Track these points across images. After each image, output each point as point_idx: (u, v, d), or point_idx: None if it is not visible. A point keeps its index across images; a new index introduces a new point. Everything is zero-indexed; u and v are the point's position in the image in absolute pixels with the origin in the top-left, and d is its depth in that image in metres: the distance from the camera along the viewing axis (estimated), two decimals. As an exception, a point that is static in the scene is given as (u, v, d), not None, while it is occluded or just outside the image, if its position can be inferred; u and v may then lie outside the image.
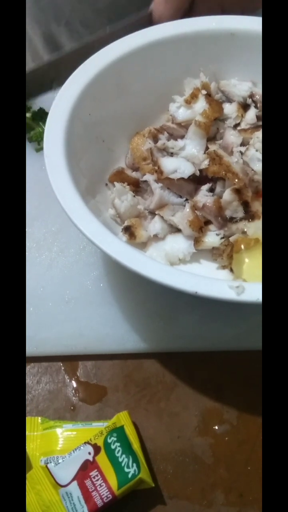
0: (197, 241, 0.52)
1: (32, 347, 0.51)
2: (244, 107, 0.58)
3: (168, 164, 0.53)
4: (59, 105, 0.51)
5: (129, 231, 0.51)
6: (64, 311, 0.53)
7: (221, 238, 0.51)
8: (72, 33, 0.72)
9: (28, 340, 0.51)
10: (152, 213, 0.54)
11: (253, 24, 0.57)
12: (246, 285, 0.41)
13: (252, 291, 0.40)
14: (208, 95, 0.56)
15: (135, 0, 0.65)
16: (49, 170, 0.47)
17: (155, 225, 0.52)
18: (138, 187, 0.56)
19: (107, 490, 0.42)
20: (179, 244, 0.52)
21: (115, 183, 0.54)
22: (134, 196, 0.53)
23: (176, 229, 0.53)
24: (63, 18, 0.70)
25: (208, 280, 0.42)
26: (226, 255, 0.50)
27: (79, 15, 0.70)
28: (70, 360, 0.52)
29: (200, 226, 0.51)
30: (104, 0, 0.67)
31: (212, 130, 0.56)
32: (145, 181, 0.54)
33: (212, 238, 0.51)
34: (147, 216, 0.54)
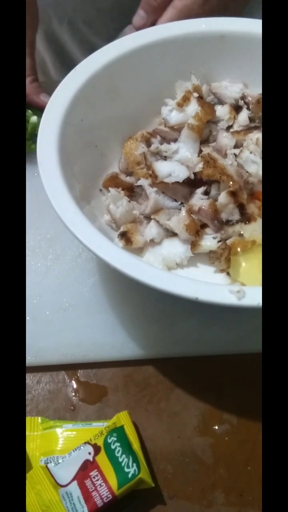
0: (194, 245, 0.52)
1: (31, 356, 0.51)
2: (236, 109, 0.59)
3: (162, 168, 0.54)
4: (51, 111, 0.51)
5: (125, 237, 0.52)
6: (62, 319, 0.53)
7: (218, 241, 0.52)
8: (75, 32, 0.71)
9: (26, 349, 0.51)
10: (148, 218, 0.55)
11: (242, 25, 0.58)
12: (247, 290, 0.41)
13: (252, 295, 0.41)
14: (200, 98, 0.57)
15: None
16: (43, 177, 0.47)
17: (151, 230, 0.53)
18: (132, 192, 0.56)
19: (107, 490, 0.43)
20: (176, 249, 0.52)
21: (110, 188, 0.54)
22: (129, 201, 0.53)
23: (172, 234, 0.53)
24: (65, 17, 0.69)
25: (208, 285, 0.43)
26: (224, 259, 0.50)
27: (82, 14, 0.70)
28: (69, 369, 0.52)
29: (197, 229, 0.52)
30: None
31: (205, 132, 0.57)
32: (140, 186, 0.55)
33: (209, 241, 0.52)
34: (143, 221, 0.55)
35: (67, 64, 0.68)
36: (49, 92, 0.53)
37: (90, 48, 0.54)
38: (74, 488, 0.43)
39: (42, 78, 0.77)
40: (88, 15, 0.70)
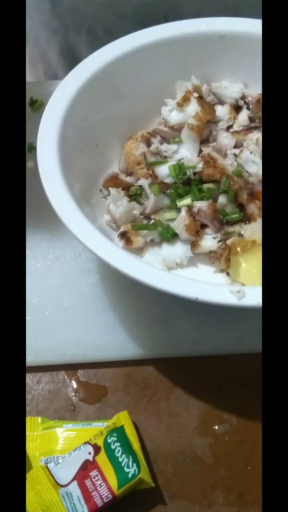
0: (194, 245, 0.52)
1: (31, 356, 0.51)
2: (236, 108, 0.59)
3: (162, 168, 0.54)
4: (52, 111, 0.51)
5: (125, 237, 0.52)
6: (62, 319, 0.53)
7: (218, 241, 0.52)
8: (93, 41, 0.70)
9: (27, 349, 0.51)
10: (148, 218, 0.54)
11: (242, 25, 0.58)
12: (247, 290, 0.41)
13: (252, 295, 0.41)
14: (200, 98, 0.57)
15: (160, 2, 0.63)
16: (42, 176, 0.47)
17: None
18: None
19: (107, 490, 0.43)
20: (176, 249, 0.52)
21: (110, 188, 0.54)
22: (129, 201, 0.53)
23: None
24: (84, 25, 0.67)
25: (209, 285, 0.43)
26: (224, 259, 0.50)
27: (102, 21, 0.68)
28: (69, 369, 0.52)
29: (197, 229, 0.52)
30: (129, 4, 0.64)
31: (205, 132, 0.57)
32: (140, 186, 0.55)
33: (209, 241, 0.52)
34: (143, 221, 0.54)
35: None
36: (50, 93, 0.53)
37: None
38: (74, 488, 0.43)
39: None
40: (109, 22, 0.68)
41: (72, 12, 0.69)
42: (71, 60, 0.74)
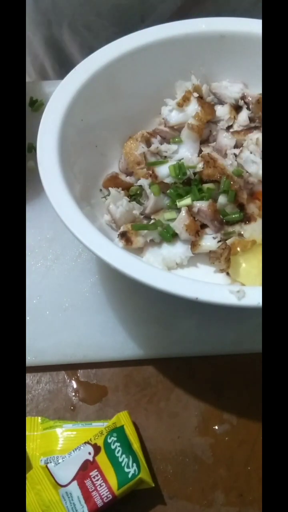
0: (194, 245, 0.52)
1: (31, 356, 0.51)
2: (236, 108, 0.59)
3: (162, 168, 0.54)
4: (52, 111, 0.51)
5: (125, 237, 0.52)
6: (62, 319, 0.53)
7: (218, 241, 0.52)
8: (75, 36, 0.71)
9: (26, 349, 0.51)
10: (148, 218, 0.54)
11: (242, 25, 0.58)
12: (246, 290, 0.41)
13: (252, 295, 0.41)
14: (200, 98, 0.57)
15: (136, 4, 0.64)
16: (43, 177, 0.47)
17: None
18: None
19: (107, 490, 0.43)
20: (176, 249, 0.53)
21: (110, 188, 0.54)
22: (129, 201, 0.53)
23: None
24: (65, 21, 0.69)
25: (209, 285, 0.43)
26: (224, 259, 0.50)
27: (81, 18, 0.70)
28: (69, 369, 0.52)
29: (197, 229, 0.52)
30: (105, 3, 0.66)
31: (205, 132, 0.57)
32: (140, 186, 0.55)
33: (209, 241, 0.52)
34: (143, 221, 0.54)
35: (66, 68, 0.69)
36: (50, 93, 0.53)
37: (90, 52, 0.55)
38: (74, 488, 0.44)
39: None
40: (88, 19, 0.70)
41: (52, 6, 0.71)
42: (57, 51, 0.76)
